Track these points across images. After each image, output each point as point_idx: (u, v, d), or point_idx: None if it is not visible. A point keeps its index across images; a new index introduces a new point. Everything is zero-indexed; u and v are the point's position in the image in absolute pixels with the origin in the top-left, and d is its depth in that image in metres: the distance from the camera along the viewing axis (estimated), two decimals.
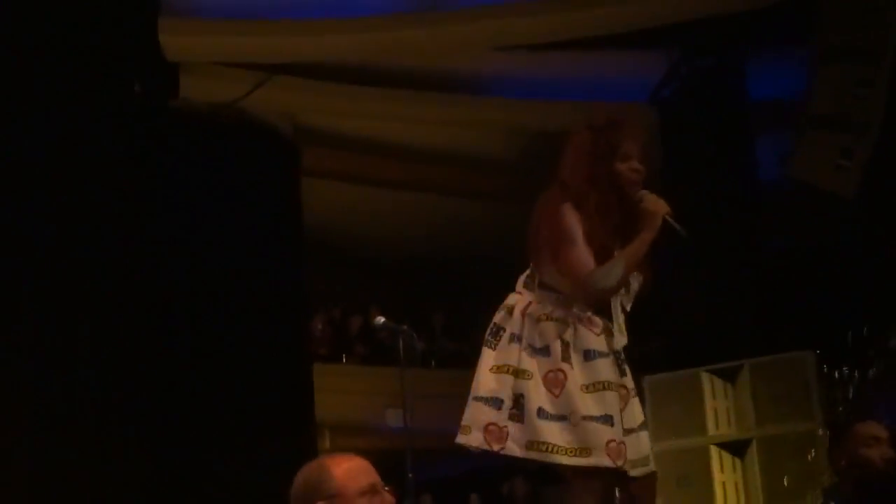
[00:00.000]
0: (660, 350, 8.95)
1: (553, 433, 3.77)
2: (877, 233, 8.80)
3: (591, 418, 3.76)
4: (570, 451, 3.75)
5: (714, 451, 7.44)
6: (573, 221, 3.83)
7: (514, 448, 3.82)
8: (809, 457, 7.00)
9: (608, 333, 3.90)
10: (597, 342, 3.85)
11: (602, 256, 3.84)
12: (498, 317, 3.97)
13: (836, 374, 7.57)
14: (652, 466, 3.99)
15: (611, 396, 3.81)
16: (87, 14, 8.26)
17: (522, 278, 4.02)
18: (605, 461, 3.75)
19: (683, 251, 8.64)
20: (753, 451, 7.35)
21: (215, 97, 9.73)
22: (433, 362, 12.55)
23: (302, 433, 9.36)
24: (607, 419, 3.78)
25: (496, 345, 3.92)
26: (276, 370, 9.25)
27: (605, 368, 3.83)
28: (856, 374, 7.65)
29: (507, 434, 3.82)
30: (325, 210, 11.40)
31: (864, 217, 8.91)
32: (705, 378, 7.50)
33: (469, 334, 13.40)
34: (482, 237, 11.93)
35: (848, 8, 8.64)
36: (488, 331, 3.96)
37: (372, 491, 2.81)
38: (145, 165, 8.64)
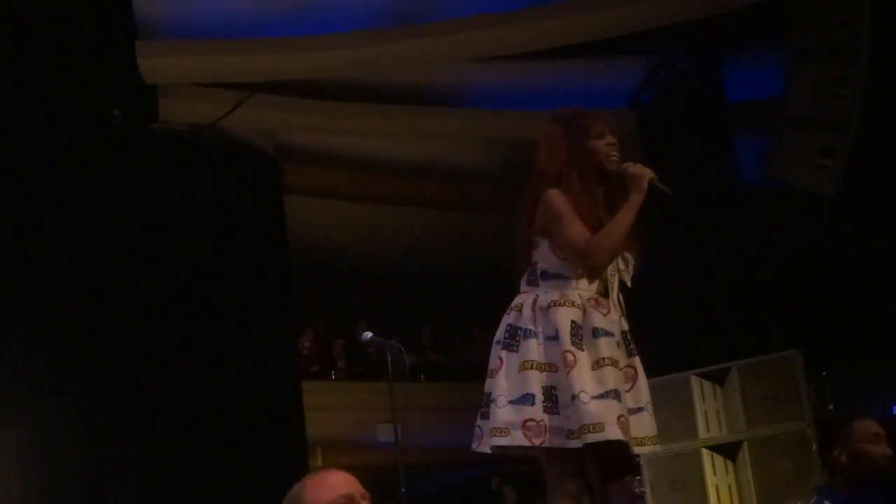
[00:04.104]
0: (648, 355, 8.95)
1: (586, 415, 3.84)
2: (859, 230, 8.83)
3: (598, 396, 3.85)
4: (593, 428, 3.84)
5: (706, 453, 7.45)
6: (562, 201, 4.01)
7: (555, 440, 3.89)
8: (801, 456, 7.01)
9: (615, 313, 4.04)
10: (603, 321, 3.98)
11: (593, 231, 4.00)
12: (509, 318, 4.06)
13: (824, 373, 7.59)
14: (657, 447, 4.10)
15: (612, 372, 3.91)
16: (63, 41, 8.24)
17: (524, 278, 4.12)
18: (616, 434, 3.83)
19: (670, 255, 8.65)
20: (745, 453, 7.36)
21: (195, 118, 9.72)
22: (422, 376, 12.54)
23: (293, 451, 9.34)
24: (613, 394, 3.88)
25: (517, 346, 3.98)
26: (265, 388, 9.23)
27: (607, 346, 3.95)
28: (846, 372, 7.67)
29: (546, 427, 3.89)
30: (309, 227, 11.40)
31: (846, 215, 8.93)
32: (694, 381, 7.51)
33: (457, 346, 13.43)
34: (467, 249, 11.93)
35: (822, 7, 8.68)
36: (504, 334, 4.04)
37: (347, 502, 2.84)
38: (128, 189, 8.62)
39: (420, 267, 12.72)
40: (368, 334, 5.46)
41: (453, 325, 13.42)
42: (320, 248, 12.19)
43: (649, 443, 4.02)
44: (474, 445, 4.03)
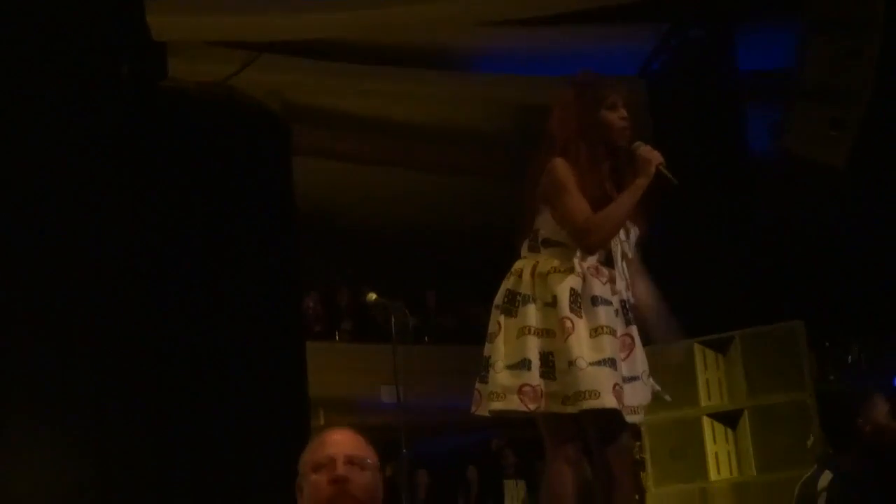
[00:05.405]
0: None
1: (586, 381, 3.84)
2: (866, 202, 8.82)
3: (594, 363, 3.85)
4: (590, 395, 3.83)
5: (706, 422, 7.47)
6: (566, 173, 3.96)
7: (551, 405, 3.89)
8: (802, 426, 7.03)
9: (614, 282, 4.01)
10: (602, 290, 3.96)
11: (597, 205, 3.96)
12: (509, 283, 4.04)
13: (827, 344, 7.60)
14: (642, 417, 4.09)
15: (609, 341, 3.90)
16: None
17: (525, 243, 4.11)
18: (612, 402, 3.83)
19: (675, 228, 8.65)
20: (745, 422, 7.38)
21: (204, 77, 9.70)
22: (426, 338, 12.58)
23: (295, 411, 9.37)
24: (610, 362, 3.87)
25: (515, 311, 3.98)
26: (269, 348, 9.24)
27: (605, 315, 3.93)
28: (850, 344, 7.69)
29: (542, 392, 3.89)
30: (315, 188, 11.40)
31: (854, 187, 8.92)
32: (697, 350, 7.52)
33: (462, 310, 13.46)
34: (473, 212, 11.94)
35: None
36: (503, 298, 4.03)
37: (325, 465, 2.78)
38: (135, 147, 8.59)
39: (426, 229, 12.73)
40: (373, 296, 5.47)
41: (459, 288, 13.44)
42: (327, 210, 12.20)
43: (643, 411, 4.02)
44: (473, 409, 4.05)
